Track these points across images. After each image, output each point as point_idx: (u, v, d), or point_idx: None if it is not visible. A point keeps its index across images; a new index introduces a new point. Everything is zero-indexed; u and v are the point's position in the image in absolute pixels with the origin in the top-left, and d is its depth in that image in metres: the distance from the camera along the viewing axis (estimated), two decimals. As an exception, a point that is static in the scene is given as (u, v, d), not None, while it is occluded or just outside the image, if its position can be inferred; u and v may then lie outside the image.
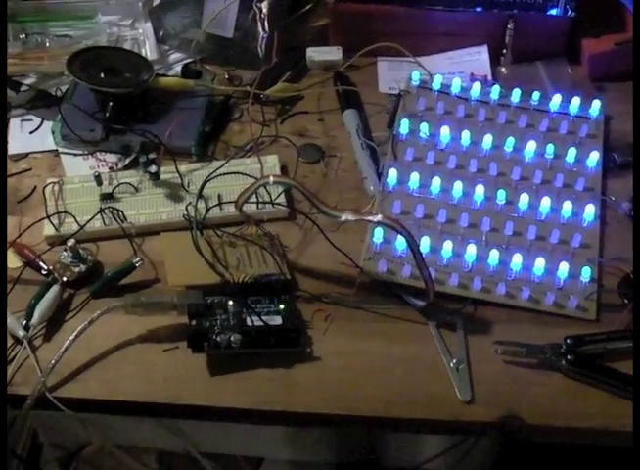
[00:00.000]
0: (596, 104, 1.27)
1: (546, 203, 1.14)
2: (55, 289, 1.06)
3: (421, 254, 1.00)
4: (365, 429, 1.42)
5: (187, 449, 1.80)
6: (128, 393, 1.00)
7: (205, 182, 1.14)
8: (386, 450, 1.82)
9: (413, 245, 0.99)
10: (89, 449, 1.84)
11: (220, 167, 1.17)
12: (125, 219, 1.14)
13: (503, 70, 1.36)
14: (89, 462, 1.84)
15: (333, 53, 1.35)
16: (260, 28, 1.33)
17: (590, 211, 1.14)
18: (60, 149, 1.25)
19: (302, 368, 1.01)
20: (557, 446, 1.33)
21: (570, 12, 1.33)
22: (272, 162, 1.20)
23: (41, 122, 1.28)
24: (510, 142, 1.21)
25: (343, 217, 1.02)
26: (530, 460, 1.58)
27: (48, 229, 1.13)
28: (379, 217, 1.00)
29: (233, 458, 1.83)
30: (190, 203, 1.14)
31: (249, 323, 1.02)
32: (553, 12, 1.34)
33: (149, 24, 1.39)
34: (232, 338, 1.00)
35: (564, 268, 1.08)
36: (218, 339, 1.00)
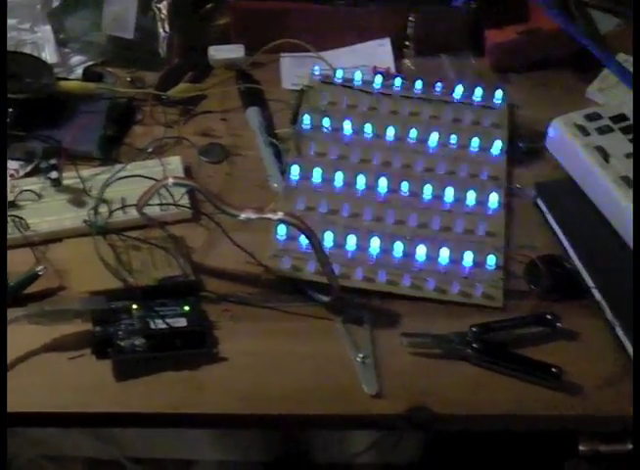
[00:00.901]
0: (499, 93, 1.28)
1: (450, 193, 1.15)
2: (-44, 301, 1.04)
3: (322, 249, 0.99)
4: (275, 428, 1.41)
5: (114, 455, 1.79)
6: (36, 404, 0.98)
7: (105, 186, 1.12)
8: (315, 446, 1.82)
9: (314, 241, 0.99)
10: (17, 463, 1.82)
11: (120, 171, 1.15)
12: (28, 227, 1.12)
13: (407, 62, 1.36)
14: (18, 477, 1.82)
15: (235, 51, 1.34)
16: (161, 29, 1.32)
17: (494, 199, 1.15)
18: (-40, 158, 1.22)
19: (210, 369, 1.00)
20: (484, 435, 1.34)
21: (472, 3, 1.34)
22: (175, 163, 1.19)
23: (-59, 131, 1.26)
24: (413, 133, 1.22)
25: (243, 216, 1.01)
26: (459, 448, 1.60)
27: (-52, 240, 1.11)
28: (279, 215, 1.00)
29: (162, 462, 1.82)
30: (92, 208, 1.12)
31: (153, 327, 1.00)
32: (455, 3, 1.34)
33: (48, 28, 1.36)
34: (136, 342, 0.99)
35: (469, 257, 1.08)
36: (122, 344, 0.98)
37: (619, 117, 1.20)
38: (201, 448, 1.82)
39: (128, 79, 1.32)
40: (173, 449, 1.81)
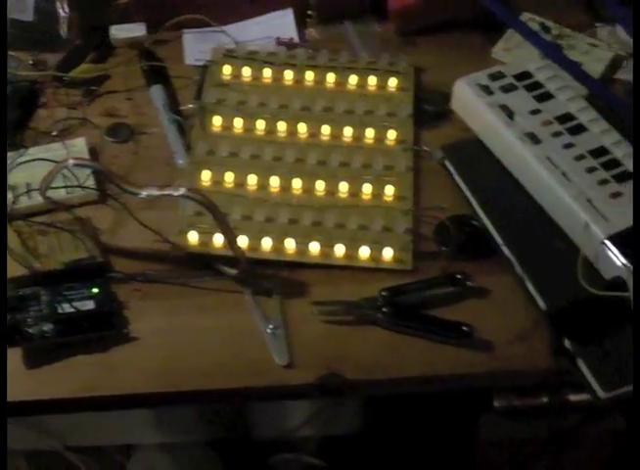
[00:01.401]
0: (404, 57, 1.28)
1: (358, 159, 1.15)
2: None
3: (226, 222, 0.99)
4: (196, 404, 1.41)
5: (55, 447, 1.78)
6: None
7: (7, 172, 1.11)
8: (255, 423, 1.82)
9: (217, 215, 0.99)
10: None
11: (21, 156, 1.14)
12: None
13: (311, 31, 1.35)
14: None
15: (136, 30, 1.32)
16: (61, 9, 1.30)
17: (402, 162, 1.15)
18: None
19: (121, 350, 1.00)
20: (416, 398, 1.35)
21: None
22: (79, 144, 1.17)
23: None
24: (320, 102, 1.21)
25: (145, 193, 1.00)
26: (395, 416, 1.60)
27: None
28: (181, 191, 0.99)
29: (103, 449, 1.81)
30: (-4, 194, 1.11)
31: (60, 311, 1.00)
32: (356, -31, 1.34)
33: (-54, 14, 1.34)
34: (45, 328, 0.98)
35: (377, 222, 1.08)
36: (31, 330, 0.98)
37: (523, 75, 1.20)
38: (141, 432, 1.81)
39: (30, 62, 1.30)
40: (114, 435, 1.80)
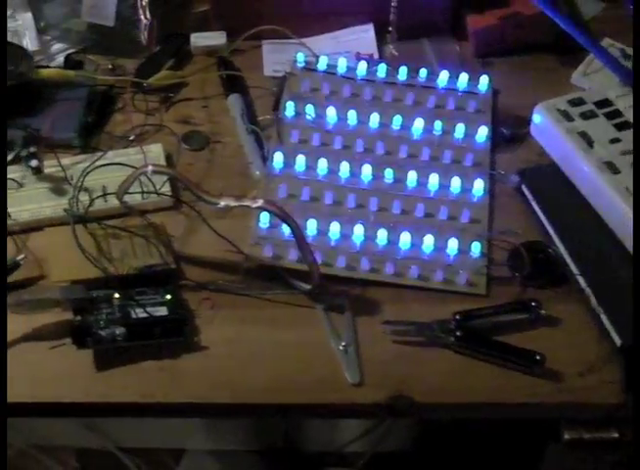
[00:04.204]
0: (484, 79, 1.27)
1: (434, 180, 1.14)
2: (-64, 291, 1.03)
3: (303, 237, 0.99)
4: (256, 417, 1.40)
5: (106, 446, 1.79)
6: (15, 395, 0.96)
7: (85, 174, 1.11)
8: (306, 435, 1.82)
9: (295, 228, 0.98)
10: (9, 453, 1.82)
11: (99, 158, 1.14)
12: (9, 216, 1.11)
13: (389, 47, 1.34)
14: (9, 466, 1.82)
15: (216, 38, 1.33)
16: (142, 16, 1.31)
17: (479, 186, 1.14)
18: (-61, 147, 1.21)
19: (190, 358, 1.00)
20: (474, 423, 1.34)
21: (454, -13, 1.33)
22: (156, 151, 1.18)
23: None
24: (397, 120, 1.21)
25: (223, 203, 1.00)
26: (450, 437, 1.59)
27: None
28: (259, 203, 0.99)
29: (154, 451, 1.81)
30: (73, 196, 1.11)
31: (133, 316, 1.00)
32: (437, -12, 1.34)
33: (29, 15, 1.35)
34: (117, 332, 0.98)
35: (453, 245, 1.08)
36: (103, 333, 0.98)
37: (604, 103, 1.19)
38: (192, 438, 1.81)
39: (109, 67, 1.31)
40: (165, 439, 1.81)
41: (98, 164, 1.13)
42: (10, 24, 1.34)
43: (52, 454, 1.82)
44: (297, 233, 0.98)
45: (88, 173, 1.12)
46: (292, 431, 1.81)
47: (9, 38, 1.32)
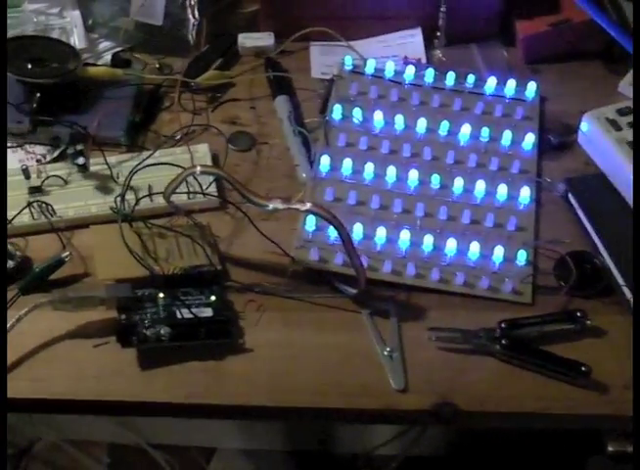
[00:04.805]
0: (531, 86, 1.27)
1: (481, 186, 1.13)
2: (-19, 286, 1.04)
3: (351, 241, 0.98)
4: (299, 420, 1.40)
5: (137, 442, 1.80)
6: (58, 391, 0.97)
7: (133, 173, 1.11)
8: (338, 437, 1.82)
9: (342, 232, 0.98)
10: (39, 446, 1.83)
11: (148, 158, 1.15)
12: (54, 213, 1.11)
13: (437, 52, 1.34)
14: (40, 459, 1.83)
15: (264, 39, 1.33)
16: (190, 15, 1.31)
17: (525, 193, 1.14)
18: (-13, 142, 1.22)
19: (234, 360, 1.00)
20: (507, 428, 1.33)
21: (503, -8, 1.33)
22: (203, 151, 1.18)
23: (-33, 115, 1.25)
24: (444, 126, 1.20)
25: (272, 206, 1.00)
26: (484, 442, 1.59)
27: (-26, 225, 1.11)
28: (308, 206, 0.99)
29: (185, 449, 1.82)
30: (119, 194, 1.11)
31: (178, 316, 1.00)
32: (486, -7, 1.33)
33: (77, 13, 1.35)
34: (161, 331, 0.98)
35: (499, 252, 1.07)
36: (148, 333, 0.98)
37: (653, 112, 1.18)
38: (223, 436, 1.82)
39: (156, 66, 1.31)
40: (197, 437, 1.81)
41: (147, 163, 1.13)
42: (58, 22, 1.35)
43: (84, 449, 1.83)
44: (346, 237, 0.98)
45: (136, 172, 1.12)
46: (323, 432, 1.81)
47: (56, 35, 1.33)
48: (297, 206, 1.00)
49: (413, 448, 1.77)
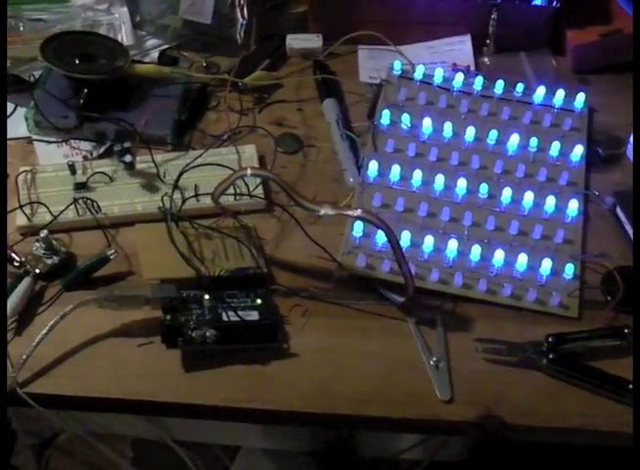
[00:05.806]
0: (580, 96, 1.26)
1: (529, 197, 1.13)
2: (27, 281, 1.04)
3: (401, 248, 0.98)
4: (343, 428, 1.40)
5: (162, 438, 1.79)
6: (100, 389, 0.97)
7: (182, 173, 1.11)
8: (363, 440, 1.81)
9: (393, 240, 0.97)
10: (63, 437, 1.83)
11: (198, 157, 1.14)
12: (100, 210, 1.11)
13: (486, 60, 1.34)
14: (63, 450, 1.83)
15: (313, 41, 1.32)
16: (239, 15, 1.31)
17: (574, 206, 1.13)
18: (33, 136, 1.21)
19: (279, 365, 0.99)
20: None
21: (554, 2, 1.31)
22: (250, 152, 1.18)
23: (14, 108, 1.25)
24: (493, 134, 1.20)
25: (322, 212, 1.00)
26: (508, 449, 1.58)
27: (20, 219, 1.10)
28: (358, 212, 0.98)
29: (209, 447, 1.81)
30: (166, 193, 1.11)
31: (224, 318, 0.99)
32: (537, 2, 1.32)
33: (125, 9, 1.35)
34: (207, 333, 0.98)
35: (546, 265, 1.06)
36: (193, 334, 0.97)
37: None
38: (247, 435, 1.81)
39: (203, 64, 1.31)
40: (221, 435, 1.81)
41: (196, 163, 1.13)
42: (106, 18, 1.35)
43: (108, 442, 1.83)
44: (395, 244, 0.97)
45: (185, 171, 1.12)
46: (347, 435, 1.80)
47: (104, 32, 1.33)
48: (349, 212, 0.99)
49: (438, 453, 1.76)
